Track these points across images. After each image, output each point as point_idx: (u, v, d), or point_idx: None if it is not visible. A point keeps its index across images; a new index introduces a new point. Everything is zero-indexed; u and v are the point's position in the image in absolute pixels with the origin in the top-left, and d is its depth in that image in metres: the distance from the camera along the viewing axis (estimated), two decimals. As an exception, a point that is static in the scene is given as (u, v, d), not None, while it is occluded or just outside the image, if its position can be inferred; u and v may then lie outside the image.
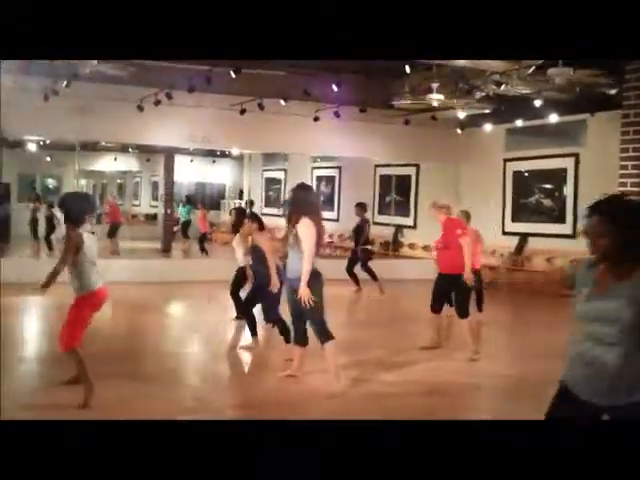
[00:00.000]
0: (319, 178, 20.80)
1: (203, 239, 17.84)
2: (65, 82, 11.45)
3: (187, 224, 20.81)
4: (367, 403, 5.86)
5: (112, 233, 17.34)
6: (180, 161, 20.31)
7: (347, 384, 6.16)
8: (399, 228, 17.73)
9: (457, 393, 6.45)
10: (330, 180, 20.30)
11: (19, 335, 8.65)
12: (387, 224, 17.65)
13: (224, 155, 24.23)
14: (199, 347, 8.49)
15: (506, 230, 14.66)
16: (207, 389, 6.44)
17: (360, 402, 5.87)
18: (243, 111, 13.06)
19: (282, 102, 13.14)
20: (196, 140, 13.96)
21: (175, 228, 19.25)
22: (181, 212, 20.36)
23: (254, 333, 7.83)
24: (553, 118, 13.21)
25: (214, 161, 25.18)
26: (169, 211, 18.17)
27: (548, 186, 14.39)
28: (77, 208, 5.57)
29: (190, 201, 20.65)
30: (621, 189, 8.47)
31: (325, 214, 20.08)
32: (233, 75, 11.21)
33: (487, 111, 13.52)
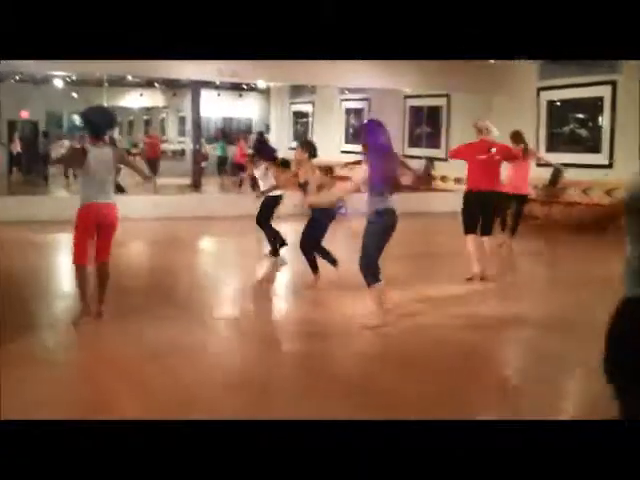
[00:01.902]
0: (348, 110, 20.49)
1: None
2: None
3: (223, 161, 20.47)
4: (411, 336, 5.88)
5: (153, 169, 17.38)
6: (206, 96, 20.08)
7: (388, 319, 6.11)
8: (430, 161, 17.47)
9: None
10: (359, 112, 19.97)
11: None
12: (418, 157, 17.37)
13: (251, 89, 23.94)
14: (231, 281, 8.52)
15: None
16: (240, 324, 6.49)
17: (405, 334, 5.89)
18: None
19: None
20: (224, 73, 13.73)
21: (203, 164, 19.14)
22: (217, 148, 20.14)
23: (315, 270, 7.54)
24: (591, 44, 12.76)
25: (240, 95, 24.90)
26: (197, 147, 18.05)
27: (583, 116, 14.02)
28: (98, 122, 5.83)
29: (225, 135, 20.17)
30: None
31: (354, 147, 19.92)
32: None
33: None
